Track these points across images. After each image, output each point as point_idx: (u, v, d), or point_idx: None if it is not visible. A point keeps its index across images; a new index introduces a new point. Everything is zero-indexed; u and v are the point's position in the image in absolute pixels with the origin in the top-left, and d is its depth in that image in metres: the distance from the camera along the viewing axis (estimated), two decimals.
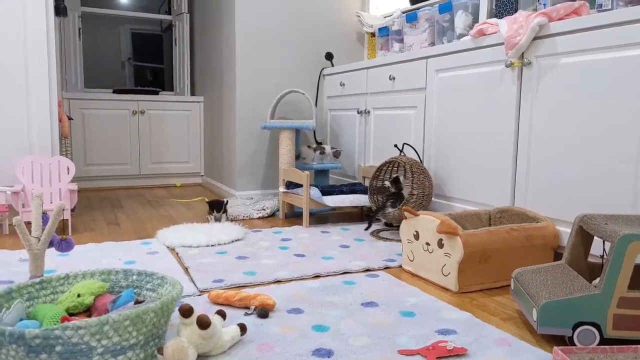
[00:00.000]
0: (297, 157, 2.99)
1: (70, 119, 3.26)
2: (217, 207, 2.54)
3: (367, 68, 2.84)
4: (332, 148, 2.94)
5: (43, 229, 1.42)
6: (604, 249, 1.35)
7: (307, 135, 3.36)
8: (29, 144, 2.46)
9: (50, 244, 1.47)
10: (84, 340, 0.92)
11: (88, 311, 1.21)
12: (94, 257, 1.89)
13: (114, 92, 4.11)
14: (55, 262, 1.83)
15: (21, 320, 1.08)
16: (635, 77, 1.49)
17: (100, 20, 4.65)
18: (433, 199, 2.34)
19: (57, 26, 3.23)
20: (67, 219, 2.33)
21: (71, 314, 1.18)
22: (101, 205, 3.12)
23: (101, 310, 1.18)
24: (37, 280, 1.22)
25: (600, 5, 1.74)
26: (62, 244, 1.50)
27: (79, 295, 1.18)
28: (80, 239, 2.20)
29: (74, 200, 2.37)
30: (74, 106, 3.75)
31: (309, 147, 2.98)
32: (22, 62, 2.41)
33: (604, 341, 1.16)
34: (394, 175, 2.35)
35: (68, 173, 2.41)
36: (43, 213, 1.48)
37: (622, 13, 1.50)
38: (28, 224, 2.28)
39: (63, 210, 1.43)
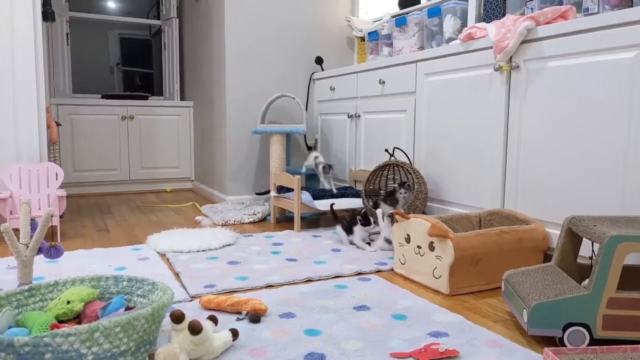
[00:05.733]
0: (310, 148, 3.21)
1: (58, 124, 3.23)
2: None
3: (357, 72, 2.85)
4: (325, 165, 2.77)
5: (31, 236, 1.41)
6: (592, 250, 1.37)
7: (298, 139, 3.36)
8: (17, 150, 2.44)
9: (39, 251, 1.45)
10: (74, 347, 0.91)
11: (78, 318, 1.19)
12: (83, 264, 1.87)
13: (103, 97, 4.09)
14: (44, 269, 1.81)
15: (10, 328, 1.07)
16: (621, 79, 1.51)
17: (88, 25, 4.61)
18: None
19: (45, 31, 3.21)
20: (56, 226, 2.31)
21: (61, 321, 1.16)
22: (91, 212, 3.09)
23: (91, 317, 1.17)
24: (26, 287, 1.20)
25: (587, 9, 1.77)
26: (51, 251, 1.48)
27: (68, 302, 1.17)
28: (70, 246, 2.18)
29: (62, 207, 2.35)
30: (62, 112, 3.72)
31: (316, 156, 2.85)
32: (10, 67, 2.38)
33: (593, 342, 1.17)
34: (400, 182, 2.33)
35: (57, 179, 2.39)
36: (31, 220, 1.47)
37: (609, 17, 1.53)
38: (16, 230, 2.25)
39: (52, 216, 1.42)
